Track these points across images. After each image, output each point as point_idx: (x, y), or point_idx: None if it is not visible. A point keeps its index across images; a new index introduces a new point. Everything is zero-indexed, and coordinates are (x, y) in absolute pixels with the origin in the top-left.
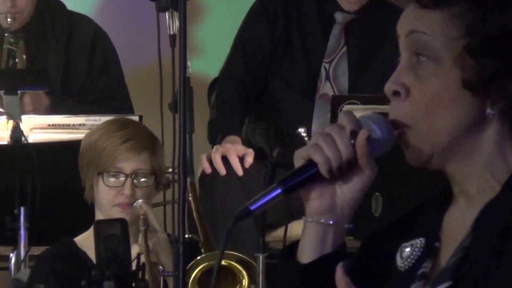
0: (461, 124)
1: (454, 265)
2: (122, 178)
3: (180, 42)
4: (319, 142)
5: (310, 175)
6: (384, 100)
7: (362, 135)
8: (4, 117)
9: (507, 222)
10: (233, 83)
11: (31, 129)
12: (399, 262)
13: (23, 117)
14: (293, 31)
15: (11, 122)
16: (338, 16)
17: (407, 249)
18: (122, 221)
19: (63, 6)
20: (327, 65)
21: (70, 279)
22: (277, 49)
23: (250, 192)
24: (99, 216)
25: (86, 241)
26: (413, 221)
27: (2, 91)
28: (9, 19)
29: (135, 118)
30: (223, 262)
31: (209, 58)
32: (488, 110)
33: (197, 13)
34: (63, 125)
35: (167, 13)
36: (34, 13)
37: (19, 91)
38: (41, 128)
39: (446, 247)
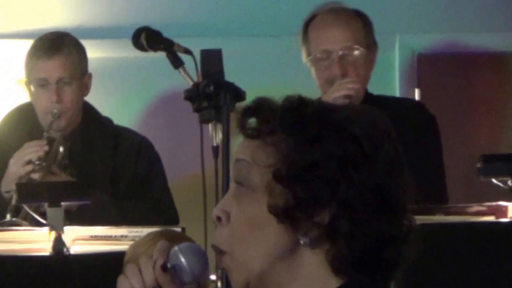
0: (273, 252)
1: None
2: None
3: (223, 154)
4: (127, 272)
5: None
6: None
7: (157, 264)
8: (46, 228)
9: None
10: None
11: (74, 240)
12: None
13: (66, 228)
14: None
15: (53, 233)
16: None
17: None
18: None
19: (110, 120)
20: None
21: None
22: None
23: None
24: None
25: None
26: None
27: (46, 203)
28: (53, 118)
29: (178, 229)
30: None
31: None
32: (299, 238)
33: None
34: (105, 236)
35: (210, 124)
36: (80, 124)
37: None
38: (83, 239)
39: None
